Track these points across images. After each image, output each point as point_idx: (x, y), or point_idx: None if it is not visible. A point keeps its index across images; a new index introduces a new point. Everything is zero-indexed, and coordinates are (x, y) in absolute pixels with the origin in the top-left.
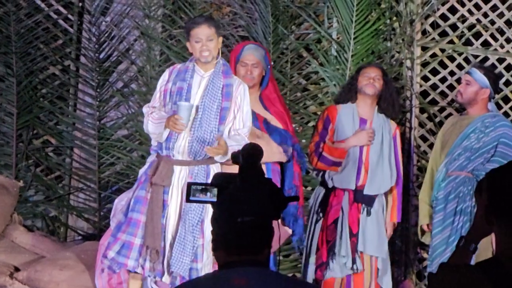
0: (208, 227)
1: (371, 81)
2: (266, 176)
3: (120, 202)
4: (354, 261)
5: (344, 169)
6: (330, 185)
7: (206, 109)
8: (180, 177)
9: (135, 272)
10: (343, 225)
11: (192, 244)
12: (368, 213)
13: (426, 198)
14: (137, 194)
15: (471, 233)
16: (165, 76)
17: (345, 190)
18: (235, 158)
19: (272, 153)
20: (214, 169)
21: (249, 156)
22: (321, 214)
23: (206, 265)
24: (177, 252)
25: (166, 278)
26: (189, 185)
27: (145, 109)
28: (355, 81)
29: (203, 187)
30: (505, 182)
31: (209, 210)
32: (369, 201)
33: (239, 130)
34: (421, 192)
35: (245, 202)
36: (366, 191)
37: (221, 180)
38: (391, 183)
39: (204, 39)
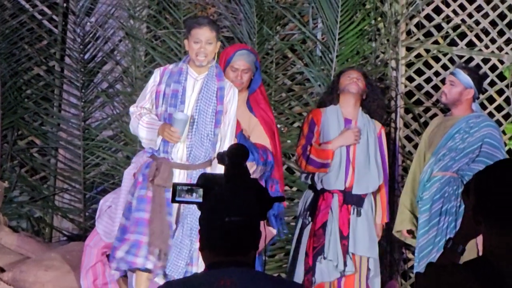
0: None
1: (354, 80)
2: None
3: (105, 203)
4: (345, 264)
5: (332, 170)
6: (319, 187)
7: (202, 113)
8: (179, 180)
9: (144, 270)
10: (332, 228)
11: (189, 247)
12: (358, 214)
13: (406, 202)
14: (138, 194)
15: (459, 234)
16: (156, 76)
17: (334, 193)
18: (220, 158)
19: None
20: None
21: (234, 156)
22: (309, 219)
23: (202, 268)
24: (173, 256)
25: (160, 279)
26: (175, 185)
27: (132, 109)
28: (337, 84)
29: (189, 187)
30: (492, 182)
31: None
32: (358, 201)
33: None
34: (402, 195)
35: (232, 202)
36: (354, 191)
37: (206, 180)
38: (379, 182)
39: (204, 41)
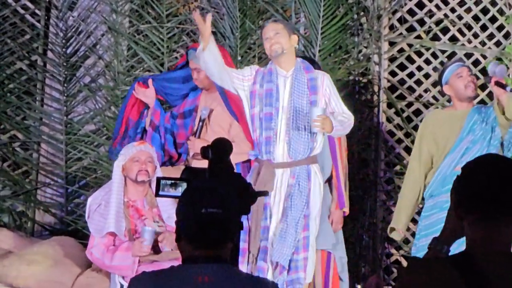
0: (312, 220)
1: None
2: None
3: (94, 201)
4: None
5: None
6: None
7: (297, 107)
8: (282, 179)
9: None
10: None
11: (294, 236)
12: None
13: (405, 202)
14: None
15: (444, 234)
16: (252, 73)
17: None
18: (204, 152)
19: (241, 155)
20: (315, 169)
21: (218, 150)
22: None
23: (310, 257)
24: (279, 244)
25: (270, 275)
26: (159, 179)
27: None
28: None
29: (173, 181)
30: (474, 176)
31: (313, 205)
32: None
33: (344, 114)
34: (401, 194)
35: (210, 194)
36: None
37: (190, 174)
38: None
39: (272, 35)
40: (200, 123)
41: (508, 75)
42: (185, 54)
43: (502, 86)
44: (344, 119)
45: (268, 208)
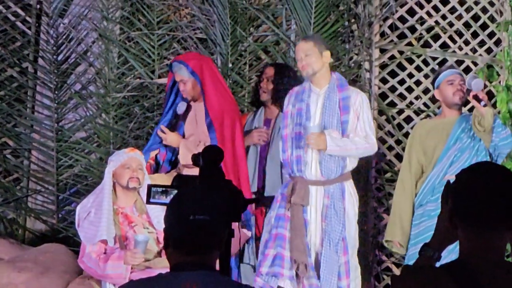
0: (350, 242)
1: (268, 79)
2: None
3: (82, 209)
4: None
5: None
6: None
7: (328, 126)
8: (317, 196)
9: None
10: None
11: (337, 262)
12: None
13: (398, 212)
14: (277, 212)
15: (435, 240)
16: (286, 100)
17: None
18: (195, 160)
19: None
20: (349, 186)
21: (209, 158)
22: None
23: (353, 279)
24: (325, 273)
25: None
26: (149, 187)
27: None
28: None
29: (164, 189)
30: (470, 184)
31: (348, 226)
32: (271, 202)
33: (366, 137)
34: (394, 205)
35: (198, 201)
36: (266, 193)
37: (181, 182)
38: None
39: (303, 56)
40: (175, 118)
41: (499, 82)
42: (170, 72)
43: (478, 100)
44: (360, 141)
45: (307, 224)
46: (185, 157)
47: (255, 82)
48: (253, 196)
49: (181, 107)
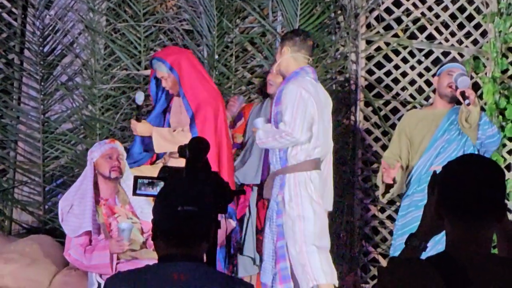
0: (288, 233)
1: (269, 83)
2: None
3: (64, 203)
4: (261, 259)
5: (247, 164)
6: (237, 182)
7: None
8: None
9: None
10: (249, 224)
11: (272, 245)
12: None
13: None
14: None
15: (421, 231)
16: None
17: (253, 186)
18: (181, 151)
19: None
20: (291, 178)
21: (195, 149)
22: None
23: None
24: (265, 255)
25: None
26: (136, 178)
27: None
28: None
29: (150, 180)
30: (458, 175)
31: (287, 217)
32: None
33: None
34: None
35: (186, 192)
36: None
37: (167, 173)
38: None
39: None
40: (137, 109)
41: (485, 73)
42: (152, 69)
43: (463, 97)
44: (273, 130)
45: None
46: (158, 145)
47: (262, 73)
48: (238, 188)
49: (139, 98)
